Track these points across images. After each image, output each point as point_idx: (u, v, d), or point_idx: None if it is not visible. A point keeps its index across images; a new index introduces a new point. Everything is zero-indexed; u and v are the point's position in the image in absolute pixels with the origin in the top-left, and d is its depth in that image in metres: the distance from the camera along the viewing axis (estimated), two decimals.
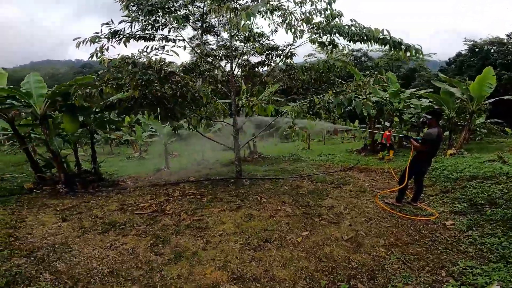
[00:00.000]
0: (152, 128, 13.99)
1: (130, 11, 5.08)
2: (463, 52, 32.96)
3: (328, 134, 24.35)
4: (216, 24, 7.25)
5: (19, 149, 6.48)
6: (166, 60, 5.32)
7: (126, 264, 3.10)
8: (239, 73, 7.82)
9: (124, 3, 5.00)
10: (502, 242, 3.47)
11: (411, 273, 3.01)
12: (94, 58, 5.10)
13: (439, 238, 3.84)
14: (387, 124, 12.49)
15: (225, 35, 7.22)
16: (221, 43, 7.47)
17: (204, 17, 6.61)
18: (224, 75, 7.01)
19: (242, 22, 4.07)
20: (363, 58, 38.22)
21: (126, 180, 7.65)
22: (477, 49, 30.57)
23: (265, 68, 7.92)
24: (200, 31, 7.03)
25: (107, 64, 4.78)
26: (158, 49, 5.53)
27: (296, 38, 6.10)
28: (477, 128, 14.90)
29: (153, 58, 4.82)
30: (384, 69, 30.18)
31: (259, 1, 4.85)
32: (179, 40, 5.86)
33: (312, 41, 5.94)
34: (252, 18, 3.99)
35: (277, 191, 5.75)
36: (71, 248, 3.37)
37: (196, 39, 7.49)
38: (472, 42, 31.26)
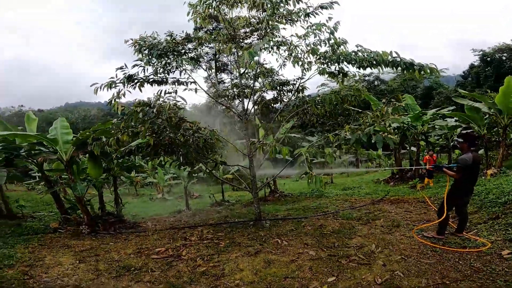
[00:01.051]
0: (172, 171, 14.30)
1: (143, 55, 5.31)
2: (475, 63, 31.89)
3: (351, 165, 23.46)
4: (229, 63, 7.48)
5: (47, 192, 6.87)
6: (179, 104, 5.43)
7: None
8: (252, 111, 7.84)
9: (136, 47, 5.27)
10: None
11: None
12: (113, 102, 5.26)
13: (496, 270, 3.27)
14: (413, 149, 11.78)
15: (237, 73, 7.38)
16: (235, 81, 7.62)
17: (217, 56, 6.87)
18: (240, 116, 7.04)
19: (245, 60, 4.12)
20: (376, 82, 37.81)
21: (147, 221, 7.62)
22: (488, 59, 29.42)
23: (279, 104, 7.89)
24: (214, 70, 7.27)
25: (120, 112, 4.92)
26: (171, 93, 5.69)
27: (304, 71, 6.09)
28: None
29: (165, 103, 4.88)
30: (400, 91, 29.53)
31: (263, 39, 4.95)
32: (191, 82, 6.02)
33: (321, 72, 5.88)
34: (254, 56, 4.01)
35: (299, 232, 5.32)
36: None
37: (211, 78, 7.72)
38: (481, 52, 30.22)
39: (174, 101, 5.03)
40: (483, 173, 8.80)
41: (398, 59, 4.75)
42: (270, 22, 4.81)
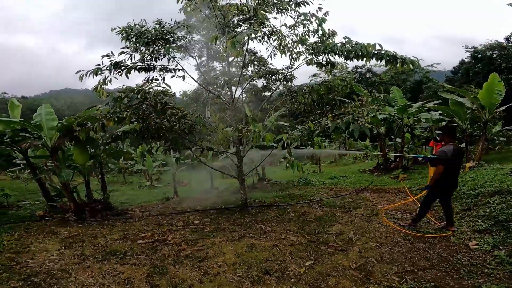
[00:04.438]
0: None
1: (131, 43, 5.24)
2: (466, 60, 32.10)
3: (340, 155, 23.86)
4: (221, 51, 7.39)
5: (32, 179, 6.78)
6: (169, 91, 5.41)
7: None
8: (241, 98, 7.84)
9: (124, 35, 5.19)
10: None
11: None
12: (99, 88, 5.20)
13: (461, 260, 3.48)
14: (398, 140, 12.06)
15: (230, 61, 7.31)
16: (227, 69, 7.59)
17: (209, 44, 6.78)
18: (230, 103, 7.04)
19: (229, 50, 4.12)
20: (367, 74, 38.00)
21: (135, 209, 7.66)
22: (479, 55, 29.70)
23: (268, 93, 7.93)
24: (205, 58, 7.20)
25: (105, 98, 4.89)
26: (157, 79, 5.64)
27: (293, 61, 6.12)
28: (495, 137, 14.17)
29: (150, 90, 4.88)
30: (390, 84, 29.82)
31: (252, 28, 4.94)
32: (179, 70, 5.98)
33: (309, 63, 5.93)
34: (237, 46, 4.02)
35: (283, 218, 5.49)
36: (68, 275, 3.39)
37: (203, 66, 7.65)
38: (473, 49, 30.46)
39: (161, 88, 5.01)
40: (462, 166, 9.14)
41: (382, 52, 4.85)
42: (257, 11, 4.79)
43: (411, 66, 4.77)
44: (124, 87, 5.19)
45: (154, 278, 3.30)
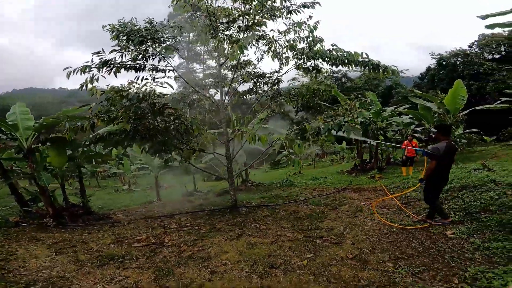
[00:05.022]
0: (140, 160, 13.90)
1: (120, 41, 5.16)
2: (432, 66, 34.28)
3: (317, 157, 24.67)
4: (202, 53, 7.46)
5: (3, 183, 6.22)
6: (162, 91, 5.40)
7: None
8: (227, 101, 7.97)
9: (114, 33, 5.11)
10: (505, 246, 3.54)
11: (424, 284, 2.99)
12: (85, 88, 5.06)
13: (443, 247, 3.88)
14: (373, 143, 12.80)
15: (212, 63, 7.40)
16: (208, 71, 7.68)
17: (190, 46, 6.84)
18: (213, 105, 7.11)
19: (235, 53, 4.26)
20: (343, 79, 39.71)
21: (117, 213, 7.45)
22: (444, 62, 31.85)
23: (254, 96, 8.12)
24: (185, 60, 7.22)
25: (99, 96, 4.78)
26: (147, 79, 5.60)
27: (282, 65, 6.39)
28: (458, 139, 15.50)
29: (147, 90, 4.86)
30: (364, 89, 31.38)
31: (248, 33, 5.12)
32: (169, 70, 5.97)
33: (298, 67, 6.24)
34: (244, 50, 4.20)
35: (274, 217, 5.68)
36: (70, 282, 3.22)
37: (183, 67, 7.66)
38: (439, 56, 32.71)
39: (157, 87, 5.02)
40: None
41: (367, 60, 5.27)
42: (257, 17, 4.98)
43: (391, 73, 5.22)
44: (109, 86, 5.10)
45: (162, 280, 3.27)
